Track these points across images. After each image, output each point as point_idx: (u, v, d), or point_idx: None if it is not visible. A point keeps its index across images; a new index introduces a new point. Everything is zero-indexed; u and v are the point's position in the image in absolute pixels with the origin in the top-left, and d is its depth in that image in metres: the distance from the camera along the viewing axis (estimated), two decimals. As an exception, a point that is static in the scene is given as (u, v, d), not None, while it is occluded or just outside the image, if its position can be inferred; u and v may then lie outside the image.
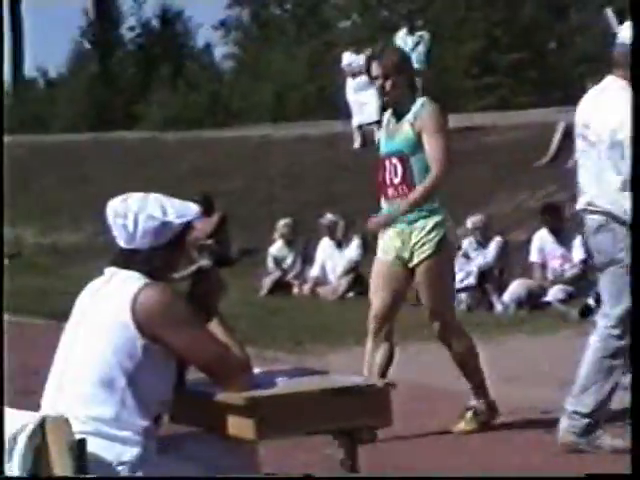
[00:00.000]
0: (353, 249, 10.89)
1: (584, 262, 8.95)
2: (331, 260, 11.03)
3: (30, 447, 2.94)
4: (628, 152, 4.96)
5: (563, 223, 9.38)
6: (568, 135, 10.00)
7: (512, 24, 23.26)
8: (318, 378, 3.40)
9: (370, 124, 13.78)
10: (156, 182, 11.91)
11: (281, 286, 11.18)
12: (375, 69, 5.04)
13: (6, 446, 3.01)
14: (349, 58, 14.65)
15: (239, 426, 3.03)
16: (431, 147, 4.86)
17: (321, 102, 22.61)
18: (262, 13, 29.58)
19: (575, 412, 5.06)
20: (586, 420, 5.05)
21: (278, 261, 11.34)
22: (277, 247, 11.60)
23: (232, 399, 3.03)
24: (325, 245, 11.21)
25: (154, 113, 25.52)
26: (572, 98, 8.50)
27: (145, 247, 3.13)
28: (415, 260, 4.93)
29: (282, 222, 11.62)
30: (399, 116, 4.98)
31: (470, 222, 9.82)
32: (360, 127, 14.30)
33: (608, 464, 4.45)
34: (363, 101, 13.76)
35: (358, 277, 10.45)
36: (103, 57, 28.91)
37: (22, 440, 2.94)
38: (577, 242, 9.10)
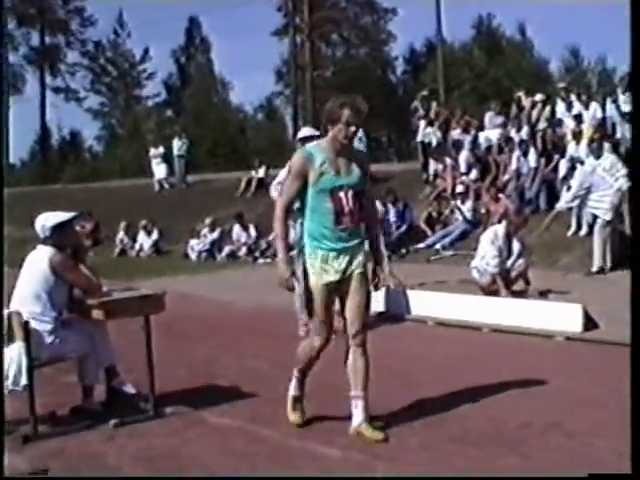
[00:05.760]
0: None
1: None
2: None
3: (4, 325, 4.96)
4: None
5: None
6: (247, 183, 21.97)
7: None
8: (133, 291, 5.56)
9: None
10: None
11: (123, 252, 18.72)
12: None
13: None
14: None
15: (97, 314, 5.09)
16: None
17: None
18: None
19: None
20: None
21: (122, 241, 19.35)
22: (122, 234, 19.76)
23: (93, 301, 5.11)
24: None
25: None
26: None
27: (47, 235, 5.17)
28: None
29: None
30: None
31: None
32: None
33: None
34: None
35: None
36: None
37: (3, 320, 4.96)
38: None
